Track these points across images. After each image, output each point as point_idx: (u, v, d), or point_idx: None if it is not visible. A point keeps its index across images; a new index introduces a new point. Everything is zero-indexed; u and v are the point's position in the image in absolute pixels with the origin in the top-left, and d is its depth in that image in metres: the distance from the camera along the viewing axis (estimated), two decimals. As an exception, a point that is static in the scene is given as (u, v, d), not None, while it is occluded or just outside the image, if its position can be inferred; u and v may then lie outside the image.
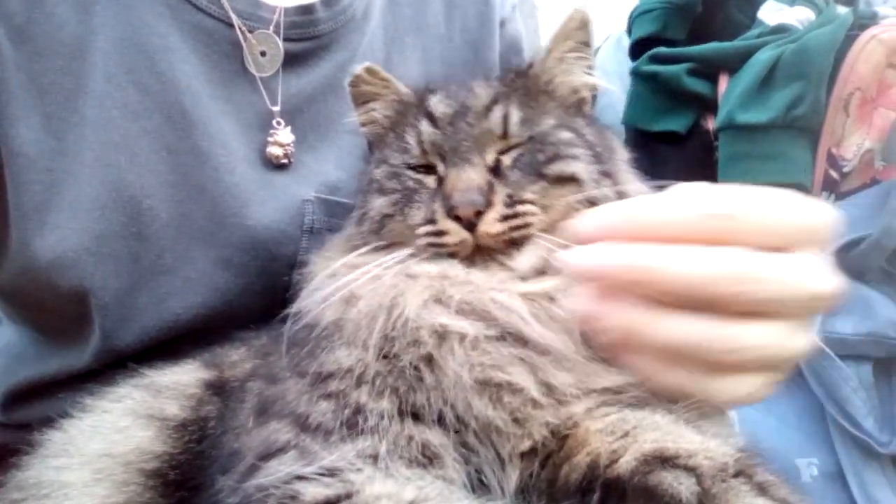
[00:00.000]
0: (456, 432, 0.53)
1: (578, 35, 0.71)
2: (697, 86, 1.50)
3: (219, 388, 0.68)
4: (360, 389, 0.54)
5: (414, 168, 0.67)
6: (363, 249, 0.65)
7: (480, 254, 0.60)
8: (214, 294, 0.83)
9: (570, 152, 0.64)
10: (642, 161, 1.70)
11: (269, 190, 0.86)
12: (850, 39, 1.35)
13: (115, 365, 0.81)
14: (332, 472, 0.50)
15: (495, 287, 0.58)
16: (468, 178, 0.60)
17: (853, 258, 1.14)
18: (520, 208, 0.59)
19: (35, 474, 0.62)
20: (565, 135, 0.65)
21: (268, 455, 0.54)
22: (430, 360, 0.55)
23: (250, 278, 0.84)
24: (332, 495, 0.48)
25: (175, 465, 0.62)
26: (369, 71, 0.75)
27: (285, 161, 0.89)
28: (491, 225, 0.59)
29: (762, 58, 1.39)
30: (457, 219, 0.59)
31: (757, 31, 1.49)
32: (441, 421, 0.53)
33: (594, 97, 0.75)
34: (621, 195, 0.63)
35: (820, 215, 0.54)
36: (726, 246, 0.49)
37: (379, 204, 0.67)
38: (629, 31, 1.74)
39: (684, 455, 0.46)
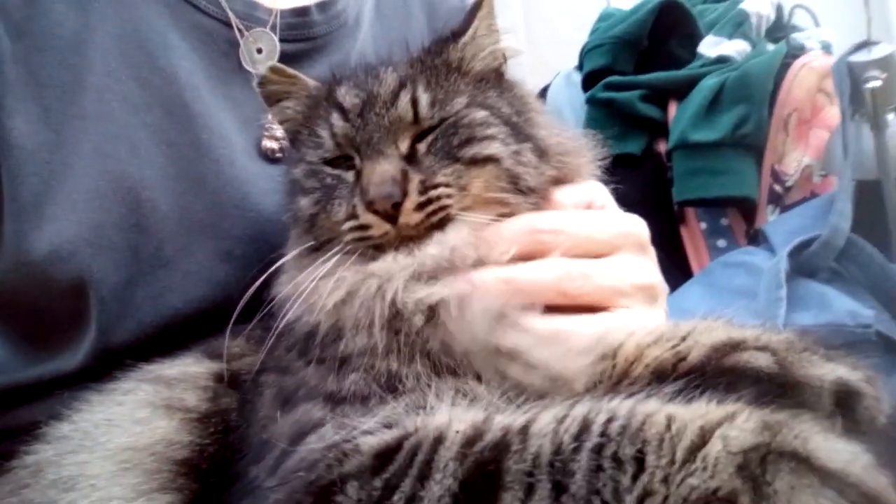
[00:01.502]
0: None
1: (487, 7, 0.69)
2: (649, 111, 1.61)
3: (231, 381, 0.67)
4: (388, 359, 0.55)
5: (331, 162, 0.66)
6: (298, 250, 0.66)
7: (406, 242, 0.60)
8: (215, 288, 0.81)
9: (485, 133, 0.63)
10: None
11: (269, 182, 0.87)
12: (784, 67, 1.49)
13: (108, 364, 0.78)
14: (387, 424, 0.49)
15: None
16: (382, 171, 0.60)
17: (805, 258, 1.23)
18: (433, 193, 0.59)
19: (55, 470, 0.59)
20: (479, 114, 0.64)
21: (303, 434, 0.53)
22: (426, 335, 0.56)
23: (251, 271, 0.84)
24: (392, 440, 0.47)
25: (206, 455, 0.60)
26: (275, 70, 0.74)
27: (280, 155, 0.89)
28: (409, 216, 0.59)
29: (708, 83, 1.51)
30: (376, 212, 0.59)
31: (700, 63, 1.62)
32: (479, 378, 0.55)
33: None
34: (541, 152, 0.64)
35: (632, 224, 0.67)
36: (561, 255, 0.61)
37: (304, 204, 0.66)
38: (580, 65, 1.85)
39: (752, 339, 0.49)
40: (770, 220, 1.47)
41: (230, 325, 0.69)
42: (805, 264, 1.23)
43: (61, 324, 0.80)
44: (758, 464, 0.34)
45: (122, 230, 0.78)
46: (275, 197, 0.86)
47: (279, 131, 0.89)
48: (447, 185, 0.60)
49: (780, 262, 1.18)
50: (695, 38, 1.71)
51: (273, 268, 0.66)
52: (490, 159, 0.61)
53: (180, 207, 0.81)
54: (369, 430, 0.49)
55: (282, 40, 0.91)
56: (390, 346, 0.55)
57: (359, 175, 0.63)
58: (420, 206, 0.59)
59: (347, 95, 0.66)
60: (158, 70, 0.83)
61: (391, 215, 0.59)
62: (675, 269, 1.54)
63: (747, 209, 1.49)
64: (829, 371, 0.44)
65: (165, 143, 0.82)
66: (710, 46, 1.64)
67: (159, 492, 0.56)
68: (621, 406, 0.41)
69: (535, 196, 0.63)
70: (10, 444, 0.71)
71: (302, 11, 0.93)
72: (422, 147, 0.63)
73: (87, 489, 0.55)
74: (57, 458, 0.60)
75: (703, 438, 0.37)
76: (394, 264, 0.59)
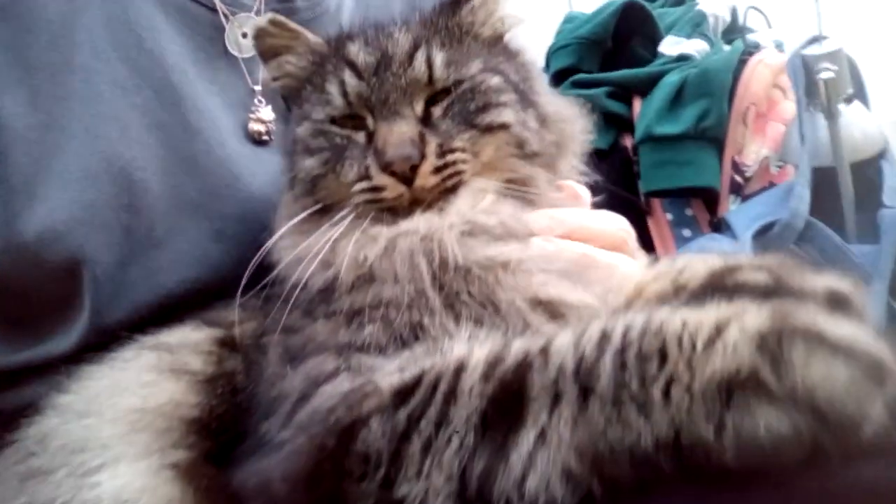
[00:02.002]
0: None
1: None
2: (615, 107, 1.67)
3: (233, 346, 0.68)
4: (411, 311, 0.55)
5: (338, 121, 0.66)
6: (303, 215, 0.65)
7: (418, 205, 0.61)
8: (207, 268, 0.82)
9: (500, 100, 0.64)
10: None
11: (258, 164, 0.88)
12: (741, 64, 1.57)
13: (101, 345, 0.78)
14: (404, 367, 0.50)
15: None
16: (400, 132, 0.60)
17: (768, 241, 1.29)
18: (449, 157, 0.60)
19: (62, 436, 0.58)
20: (494, 80, 0.65)
21: (315, 385, 0.53)
22: (483, 290, 0.57)
23: (243, 251, 0.83)
24: (411, 378, 0.48)
25: (215, 415, 0.61)
26: (275, 23, 0.72)
27: (266, 138, 0.90)
28: (426, 178, 0.60)
29: (671, 80, 1.58)
30: (392, 174, 0.60)
31: (662, 61, 1.69)
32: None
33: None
34: (542, 119, 0.67)
35: (631, 232, 0.71)
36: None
37: (308, 165, 0.66)
38: (547, 66, 1.90)
39: (746, 262, 0.53)
40: (731, 209, 1.54)
41: (237, 298, 0.70)
42: (767, 246, 1.29)
43: (54, 305, 0.80)
44: (774, 342, 0.38)
45: (114, 210, 0.79)
46: (264, 178, 0.88)
47: (265, 114, 0.91)
48: (463, 151, 0.61)
49: (745, 245, 1.24)
50: (656, 38, 1.78)
51: (277, 235, 0.67)
52: (503, 126, 0.63)
53: (171, 188, 0.82)
54: (388, 373, 0.50)
55: (266, 25, 0.93)
56: (425, 299, 0.55)
57: (370, 136, 0.63)
58: (437, 170, 0.60)
59: (361, 53, 0.65)
60: (147, 52, 0.84)
61: (407, 177, 0.60)
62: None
63: (710, 199, 1.56)
64: (820, 281, 0.47)
65: (155, 124, 0.83)
66: (671, 45, 1.71)
67: (172, 448, 0.56)
68: (636, 318, 0.44)
69: (539, 160, 0.66)
70: (3, 426, 0.71)
71: (286, -2, 0.95)
72: (437, 111, 0.63)
73: (98, 450, 0.55)
74: (62, 425, 0.59)
75: (720, 329, 0.40)
76: (436, 221, 0.60)
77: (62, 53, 0.79)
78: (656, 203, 1.60)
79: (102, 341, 0.76)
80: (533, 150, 0.65)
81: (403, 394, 0.47)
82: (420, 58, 0.64)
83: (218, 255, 0.83)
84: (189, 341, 0.68)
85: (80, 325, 0.78)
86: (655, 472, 0.39)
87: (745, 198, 1.55)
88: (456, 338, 0.51)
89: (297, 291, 0.62)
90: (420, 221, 0.60)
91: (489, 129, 0.63)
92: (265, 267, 0.70)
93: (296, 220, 0.65)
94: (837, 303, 0.45)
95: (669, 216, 1.60)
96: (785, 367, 0.37)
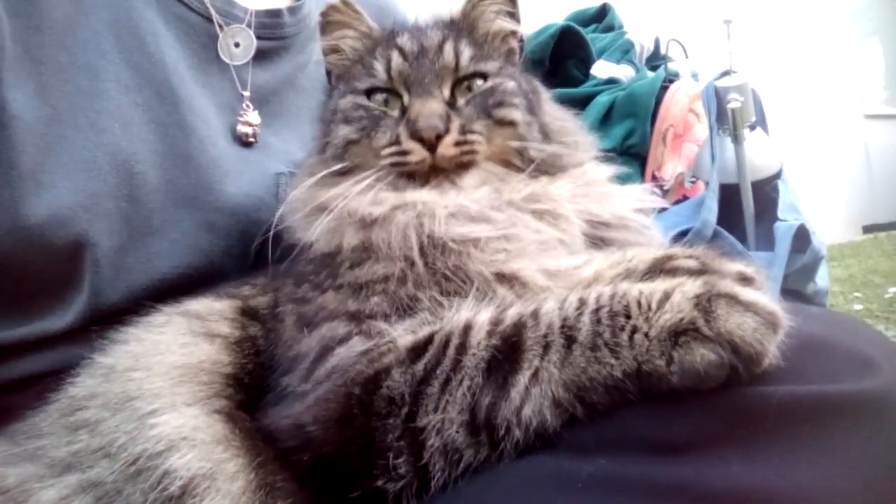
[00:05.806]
0: None
1: None
2: (551, 122, 1.83)
3: (252, 315, 0.76)
4: (406, 287, 0.66)
5: (377, 95, 0.77)
6: (326, 171, 0.75)
7: (435, 174, 0.72)
8: (199, 255, 0.90)
9: (513, 101, 0.76)
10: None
11: (245, 163, 0.96)
12: (662, 90, 1.76)
13: (95, 325, 0.82)
14: (414, 330, 0.61)
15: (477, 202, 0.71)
16: (431, 107, 0.72)
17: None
18: (469, 137, 0.72)
19: (112, 389, 0.65)
20: (510, 84, 0.77)
21: (330, 347, 0.63)
22: (457, 263, 0.67)
23: (231, 241, 0.92)
24: (423, 336, 0.59)
25: (246, 371, 0.69)
26: (345, 3, 0.83)
27: (252, 140, 0.99)
28: (448, 148, 0.71)
29: (601, 100, 1.75)
30: (420, 140, 0.71)
31: (594, 83, 1.87)
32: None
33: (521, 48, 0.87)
34: (543, 127, 0.79)
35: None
36: None
37: (345, 132, 0.77)
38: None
39: (680, 251, 0.67)
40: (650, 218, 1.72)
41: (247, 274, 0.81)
42: (682, 252, 1.47)
43: (54, 286, 0.84)
44: (706, 301, 0.52)
45: (115, 199, 0.84)
46: (250, 176, 0.96)
47: (252, 118, 1.00)
48: (479, 134, 0.73)
49: (664, 249, 1.41)
50: (589, 61, 1.96)
51: (301, 188, 0.76)
52: (512, 123, 0.76)
53: (168, 181, 0.88)
54: (400, 334, 0.60)
55: (256, 37, 1.02)
56: (414, 273, 0.66)
57: (404, 111, 0.75)
58: (457, 144, 0.72)
59: (408, 42, 0.78)
60: (149, 55, 0.91)
61: (432, 144, 0.71)
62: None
63: (633, 209, 1.74)
64: (733, 266, 0.62)
65: (155, 122, 0.89)
66: (601, 69, 1.89)
67: (215, 397, 0.64)
68: (603, 290, 0.57)
69: (537, 166, 0.76)
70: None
71: (275, 13, 1.04)
72: (461, 99, 0.76)
73: (150, 398, 0.62)
74: (109, 383, 0.65)
75: (667, 294, 0.54)
76: (434, 199, 0.70)
77: (69, 52, 0.85)
78: (586, 211, 1.77)
79: (98, 322, 0.82)
80: (530, 156, 0.76)
81: (418, 349, 0.58)
82: (449, 48, 0.77)
83: (208, 244, 0.91)
84: (214, 309, 0.75)
85: (77, 305, 0.84)
86: (623, 395, 0.52)
87: (661, 208, 1.74)
88: (458, 307, 0.62)
89: (304, 257, 0.72)
90: (422, 195, 0.71)
91: (501, 122, 0.75)
92: (265, 251, 0.80)
93: (319, 175, 0.76)
94: (745, 279, 0.60)
95: (597, 223, 1.77)
96: (713, 318, 0.51)
